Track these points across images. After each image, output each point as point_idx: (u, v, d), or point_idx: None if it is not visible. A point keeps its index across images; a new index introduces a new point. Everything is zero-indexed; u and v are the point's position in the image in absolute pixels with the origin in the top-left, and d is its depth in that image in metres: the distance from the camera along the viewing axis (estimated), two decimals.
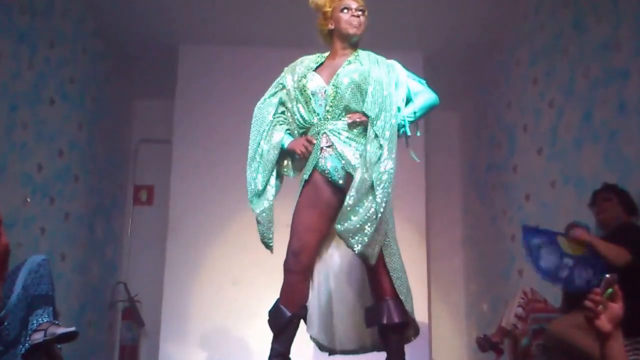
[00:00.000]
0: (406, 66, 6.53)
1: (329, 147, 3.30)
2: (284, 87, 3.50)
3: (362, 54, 3.47)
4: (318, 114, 3.35)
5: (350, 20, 3.39)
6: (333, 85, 3.33)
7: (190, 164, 6.45)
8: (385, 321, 3.25)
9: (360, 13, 3.41)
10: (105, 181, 6.74)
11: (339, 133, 3.30)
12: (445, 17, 6.11)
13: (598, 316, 2.02)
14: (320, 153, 3.31)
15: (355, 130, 3.30)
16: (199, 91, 6.58)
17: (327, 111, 3.33)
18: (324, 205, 3.31)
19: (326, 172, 3.30)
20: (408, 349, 6.09)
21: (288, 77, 3.50)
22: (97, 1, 5.92)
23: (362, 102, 3.29)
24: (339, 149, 3.27)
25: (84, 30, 5.99)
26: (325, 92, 3.34)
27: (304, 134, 3.41)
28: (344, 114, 3.32)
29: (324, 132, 3.31)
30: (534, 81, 5.60)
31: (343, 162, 3.27)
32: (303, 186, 3.35)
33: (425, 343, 6.19)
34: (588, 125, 4.61)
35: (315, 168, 3.32)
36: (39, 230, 5.09)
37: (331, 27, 3.45)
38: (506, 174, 6.15)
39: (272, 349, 3.34)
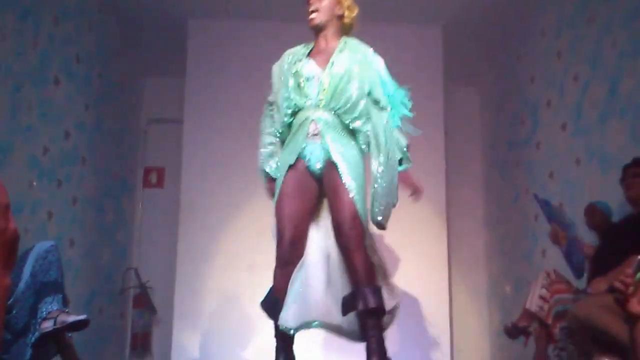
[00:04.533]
0: (426, 40, 6.62)
1: (315, 135, 3.44)
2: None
3: (351, 42, 3.62)
4: (310, 99, 3.47)
5: (309, 12, 3.59)
6: (328, 72, 3.47)
7: (202, 144, 6.45)
8: (361, 307, 3.29)
9: (317, 1, 3.57)
10: (113, 163, 6.76)
11: (328, 125, 3.43)
12: None
13: (628, 298, 2.01)
14: (306, 139, 3.44)
15: (344, 130, 3.48)
16: (210, 68, 6.55)
17: (320, 98, 3.45)
18: (308, 192, 3.48)
19: (307, 159, 3.45)
20: (429, 332, 6.13)
21: (276, 70, 3.70)
22: None
23: (355, 90, 3.44)
24: (326, 140, 3.41)
25: (89, 5, 5.97)
26: (319, 79, 3.48)
27: (291, 118, 3.54)
28: (337, 103, 3.44)
29: (313, 120, 3.44)
30: (558, 54, 5.54)
31: (325, 152, 3.42)
32: (287, 171, 3.47)
33: (446, 326, 6.21)
34: (614, 99, 4.56)
35: (298, 156, 3.46)
36: (46, 215, 5.12)
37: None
38: (529, 151, 6.11)
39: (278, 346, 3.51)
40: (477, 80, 7.70)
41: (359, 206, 3.35)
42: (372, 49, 3.62)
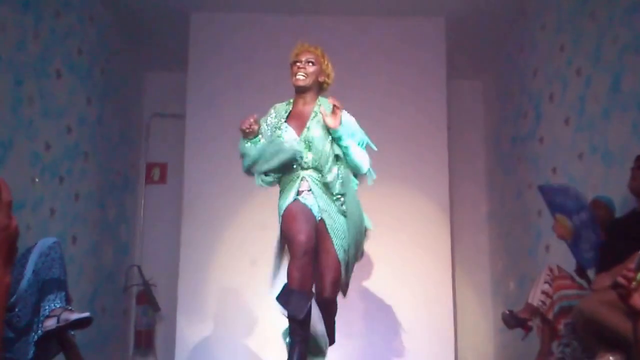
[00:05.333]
0: (428, 32, 6.61)
1: (308, 191, 3.88)
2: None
3: (325, 104, 3.93)
4: (295, 159, 3.90)
5: (296, 72, 3.91)
6: (305, 139, 3.88)
7: (205, 139, 6.43)
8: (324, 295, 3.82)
9: (307, 62, 3.92)
10: (116, 159, 6.78)
11: (317, 182, 3.87)
12: None
13: (631, 293, 2.01)
14: (298, 195, 3.89)
15: (328, 187, 3.90)
16: (212, 62, 6.54)
17: (306, 161, 3.88)
18: (311, 217, 3.87)
19: (305, 204, 3.90)
20: (433, 328, 6.14)
21: (263, 125, 4.02)
22: None
23: (328, 147, 3.89)
24: (316, 194, 3.86)
25: (92, 1, 5.99)
26: (302, 143, 3.88)
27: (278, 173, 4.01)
28: (320, 162, 3.86)
29: (304, 177, 3.89)
30: (561, 48, 5.54)
31: (318, 205, 3.86)
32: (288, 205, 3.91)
33: (449, 323, 6.21)
34: (616, 93, 4.56)
35: (295, 199, 3.90)
36: (48, 212, 5.14)
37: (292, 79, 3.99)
38: (532, 146, 6.11)
39: (294, 334, 3.70)
40: (480, 74, 7.70)
41: (342, 267, 3.83)
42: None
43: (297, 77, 3.92)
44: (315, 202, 3.86)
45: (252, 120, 3.87)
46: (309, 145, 3.88)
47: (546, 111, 5.83)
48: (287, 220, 3.84)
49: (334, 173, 3.89)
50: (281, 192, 3.99)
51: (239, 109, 6.22)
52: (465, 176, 7.42)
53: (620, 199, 4.16)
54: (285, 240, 3.88)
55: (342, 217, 3.87)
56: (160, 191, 7.53)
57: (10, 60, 4.60)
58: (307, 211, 3.85)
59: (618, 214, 4.15)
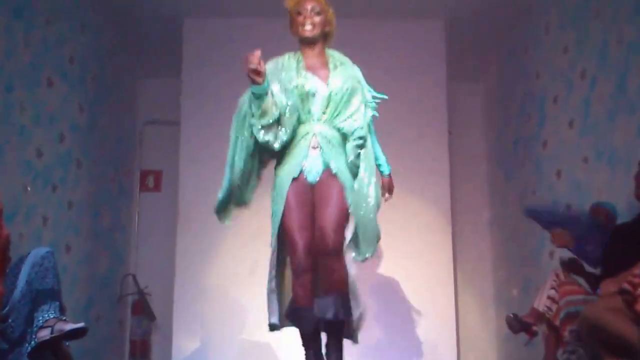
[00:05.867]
0: (427, 34, 6.62)
1: (315, 148, 3.69)
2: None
3: (336, 55, 3.88)
4: (313, 114, 3.71)
5: (303, 23, 3.77)
6: (330, 89, 3.71)
7: (200, 146, 6.43)
8: (331, 317, 3.56)
9: (314, 13, 3.77)
10: (109, 166, 6.78)
11: (327, 139, 3.70)
12: None
13: (637, 299, 2.01)
14: (308, 151, 3.69)
15: (339, 144, 3.76)
16: (206, 68, 6.56)
17: (323, 112, 3.71)
18: (308, 202, 3.70)
19: (307, 171, 3.71)
20: (435, 337, 6.13)
21: (271, 67, 3.75)
22: None
23: (356, 103, 3.78)
24: (326, 153, 3.68)
25: (82, 5, 5.99)
26: (322, 95, 3.70)
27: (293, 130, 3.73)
28: (338, 118, 3.73)
29: (314, 134, 3.70)
30: (565, 49, 5.55)
31: (324, 164, 3.69)
32: (290, 184, 3.69)
33: (452, 332, 6.21)
34: (622, 95, 4.57)
35: (301, 170, 3.71)
36: (41, 220, 5.14)
37: (293, 30, 3.88)
38: (535, 149, 6.12)
39: (307, 346, 3.74)
40: (482, 76, 7.71)
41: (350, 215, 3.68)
42: (348, 59, 3.93)
43: (305, 27, 3.77)
44: (321, 161, 3.70)
45: (258, 54, 3.58)
46: (330, 97, 3.72)
47: (550, 114, 5.83)
48: (285, 216, 3.67)
49: (352, 122, 3.76)
50: (285, 152, 3.75)
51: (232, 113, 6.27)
52: (467, 181, 7.42)
53: (625, 204, 4.16)
54: (283, 235, 3.74)
55: (350, 177, 3.74)
56: (155, 199, 7.53)
57: (1, 67, 4.61)
58: (305, 195, 3.69)
59: (624, 219, 4.15)
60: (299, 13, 3.78)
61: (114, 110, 6.94)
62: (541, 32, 6.08)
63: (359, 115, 3.78)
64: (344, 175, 3.69)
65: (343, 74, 3.76)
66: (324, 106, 3.71)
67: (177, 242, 6.36)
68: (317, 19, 3.77)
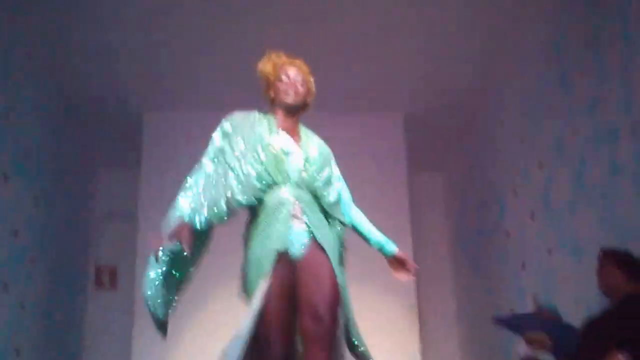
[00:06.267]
0: (386, 127, 6.75)
1: (297, 217, 3.18)
2: (226, 136, 3.38)
3: (307, 130, 3.54)
4: (289, 176, 3.25)
5: (286, 90, 3.44)
6: (306, 150, 3.35)
7: None
8: None
9: (298, 81, 3.46)
10: (64, 263, 6.64)
11: (309, 206, 3.24)
12: (425, 78, 6.27)
13: None
14: (290, 221, 3.16)
15: (321, 212, 3.29)
16: (165, 161, 6.55)
17: (303, 177, 3.27)
18: (291, 286, 3.10)
19: (291, 244, 3.14)
20: None
21: (237, 122, 3.41)
22: (58, 67, 5.99)
23: (329, 171, 3.42)
24: (311, 222, 3.19)
25: (42, 97, 6.01)
26: (299, 156, 3.32)
27: (260, 194, 3.21)
28: (317, 183, 3.30)
29: (296, 200, 3.21)
30: (521, 140, 5.70)
31: (309, 235, 3.17)
32: (273, 262, 3.08)
33: None
34: (581, 187, 4.67)
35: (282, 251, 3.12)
36: None
37: (272, 95, 3.51)
38: (499, 240, 6.18)
39: None
40: (441, 167, 7.85)
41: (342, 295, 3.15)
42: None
43: (288, 94, 3.43)
44: (306, 231, 3.18)
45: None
46: (306, 160, 3.32)
47: (510, 205, 5.93)
48: (267, 305, 3.03)
49: (334, 194, 3.38)
50: (259, 220, 3.21)
51: None
52: (431, 273, 7.42)
53: (593, 295, 4.19)
54: (257, 327, 3.04)
55: (338, 251, 3.29)
56: (110, 297, 7.37)
57: None
58: (289, 277, 3.08)
59: (592, 310, 4.16)
60: (280, 80, 3.47)
61: (71, 203, 6.86)
62: (497, 125, 6.25)
63: (335, 185, 3.42)
64: (331, 247, 3.19)
65: (316, 142, 3.46)
66: (300, 169, 3.29)
67: (133, 343, 6.19)
68: (300, 88, 3.47)
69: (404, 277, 3.50)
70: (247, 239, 3.26)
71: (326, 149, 3.51)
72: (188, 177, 3.46)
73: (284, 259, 3.11)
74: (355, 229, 3.49)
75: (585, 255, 4.42)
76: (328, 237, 3.23)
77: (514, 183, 5.83)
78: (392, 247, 3.49)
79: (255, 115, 3.45)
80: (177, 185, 6.31)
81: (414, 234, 6.80)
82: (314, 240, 3.17)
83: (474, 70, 6.16)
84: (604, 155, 4.41)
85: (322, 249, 3.15)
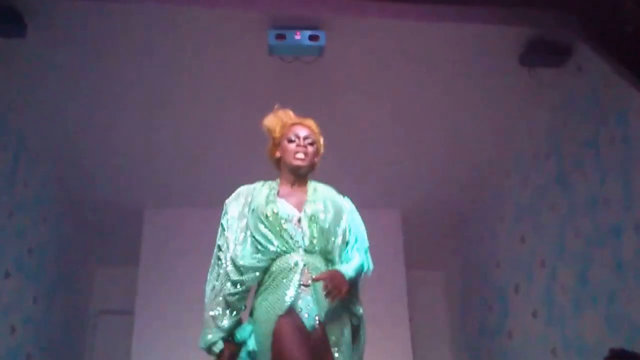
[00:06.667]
0: (384, 224, 6.78)
1: (306, 285, 2.93)
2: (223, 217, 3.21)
3: (319, 186, 3.27)
4: (296, 242, 3.02)
5: (296, 151, 3.21)
6: (308, 214, 3.08)
7: (154, 338, 6.32)
8: None
9: (308, 143, 3.23)
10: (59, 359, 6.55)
11: (317, 272, 2.95)
12: (424, 176, 6.38)
13: None
14: (297, 288, 2.92)
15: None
16: (164, 258, 6.59)
17: (312, 241, 3.02)
18: (306, 346, 2.84)
19: (301, 312, 2.90)
20: None
21: (237, 204, 3.22)
22: (60, 167, 6.12)
23: (340, 230, 3.11)
24: (318, 292, 2.90)
25: (45, 197, 6.10)
26: (300, 221, 3.07)
27: (269, 262, 3.01)
28: (326, 245, 3.05)
29: (305, 266, 2.96)
30: (522, 239, 5.74)
31: (318, 308, 2.90)
32: (276, 320, 2.88)
33: None
34: (585, 285, 4.69)
35: (291, 306, 2.90)
36: None
37: (278, 155, 3.29)
38: (501, 340, 6.13)
39: None
40: (441, 264, 7.84)
41: None
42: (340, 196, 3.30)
43: (297, 156, 3.20)
44: (314, 303, 2.91)
45: None
46: (311, 223, 3.06)
47: (512, 304, 5.91)
48: (278, 349, 2.84)
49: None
50: (266, 287, 3.00)
51: (190, 307, 6.16)
52: None
53: None
54: None
55: (349, 329, 3.01)
56: None
57: None
58: (302, 334, 2.85)
59: None
60: (290, 140, 3.23)
61: (69, 300, 6.83)
62: (497, 222, 6.31)
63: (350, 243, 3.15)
64: (336, 328, 2.94)
65: (322, 197, 3.18)
66: (307, 232, 3.04)
67: None
68: (310, 149, 3.23)
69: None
70: (252, 307, 3.04)
71: (337, 202, 3.21)
72: (209, 275, 3.18)
73: (295, 319, 2.87)
74: None
75: (591, 355, 4.39)
76: (336, 316, 2.95)
77: (517, 281, 5.83)
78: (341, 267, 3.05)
79: (255, 187, 3.25)
80: (175, 282, 6.38)
81: (413, 332, 6.75)
82: (318, 317, 2.91)
83: (473, 167, 6.26)
84: (607, 254, 4.45)
85: (324, 329, 2.90)
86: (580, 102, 4.89)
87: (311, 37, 4.80)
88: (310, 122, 3.31)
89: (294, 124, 3.29)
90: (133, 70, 5.17)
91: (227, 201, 3.26)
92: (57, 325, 6.45)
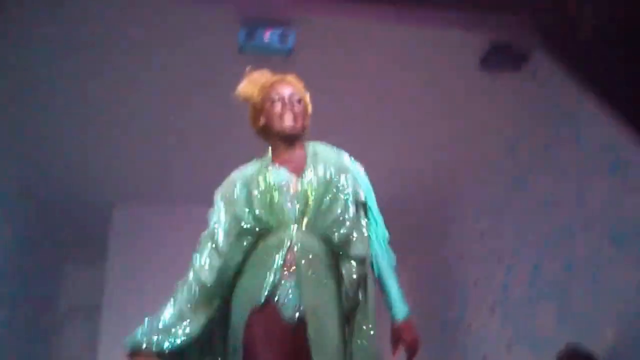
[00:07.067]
0: None
1: (289, 270, 2.52)
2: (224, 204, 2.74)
3: (316, 144, 2.86)
4: (284, 214, 2.59)
5: (282, 113, 2.77)
6: (309, 180, 2.64)
7: (121, 335, 6.28)
8: None
9: (295, 100, 2.81)
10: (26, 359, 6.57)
11: (308, 256, 2.54)
12: (388, 177, 6.15)
13: None
14: (279, 272, 2.51)
15: (327, 265, 2.58)
16: (132, 255, 6.65)
17: (302, 214, 2.58)
18: (283, 347, 2.45)
19: (279, 303, 2.50)
20: None
21: (226, 190, 2.77)
22: (25, 162, 6.07)
23: (344, 198, 2.66)
24: (302, 276, 2.51)
25: (9, 194, 6.08)
26: (296, 189, 2.63)
27: (251, 243, 2.61)
28: (324, 220, 2.59)
29: (292, 245, 2.54)
30: (481, 235, 5.95)
31: (299, 300, 2.49)
32: (248, 315, 2.50)
33: None
34: (538, 282, 4.89)
35: (269, 296, 2.49)
36: None
37: (263, 122, 2.84)
38: (460, 334, 6.31)
39: None
40: (406, 261, 7.95)
41: None
42: (345, 153, 2.89)
43: (285, 119, 2.75)
44: (296, 290, 2.50)
45: None
46: (307, 194, 2.61)
47: (471, 298, 6.10)
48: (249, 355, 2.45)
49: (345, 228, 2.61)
50: (248, 267, 2.60)
51: (158, 305, 6.25)
52: None
53: None
54: None
55: (335, 322, 2.53)
56: None
57: None
58: (276, 336, 2.45)
59: None
60: (272, 101, 2.78)
61: (36, 299, 6.83)
62: (458, 220, 6.55)
63: (353, 218, 2.66)
64: (321, 324, 2.48)
65: (323, 160, 2.73)
66: (302, 205, 2.59)
67: None
68: (298, 107, 2.79)
69: (393, 350, 2.67)
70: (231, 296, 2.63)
71: (342, 166, 2.76)
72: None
73: (270, 315, 2.48)
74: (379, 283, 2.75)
75: (543, 350, 4.58)
76: (319, 306, 2.52)
77: (476, 276, 6.03)
78: (400, 311, 2.70)
79: (247, 166, 2.82)
80: (142, 278, 6.41)
81: (378, 327, 6.87)
82: (300, 308, 2.50)
83: (435, 167, 6.40)
84: (560, 253, 4.66)
85: (304, 324, 2.47)
86: (536, 107, 5.09)
87: (281, 37, 4.82)
88: (292, 78, 2.89)
89: (274, 83, 2.85)
90: (97, 62, 5.07)
91: (217, 190, 2.82)
92: (24, 324, 6.47)
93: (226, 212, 2.69)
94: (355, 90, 5.58)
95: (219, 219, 2.70)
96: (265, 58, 5.01)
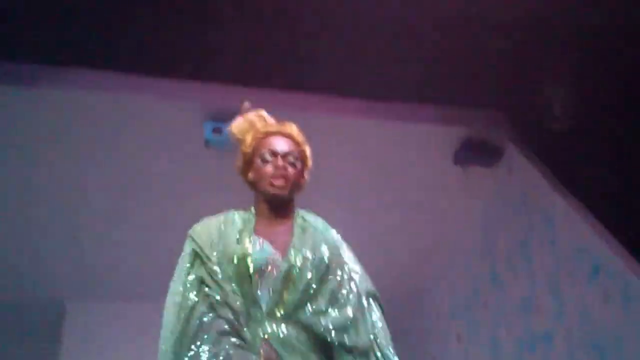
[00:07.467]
0: None
1: None
2: (197, 256, 2.35)
3: (307, 216, 2.50)
4: (259, 306, 2.24)
5: (272, 175, 2.41)
6: (291, 261, 2.29)
7: None
8: None
9: (289, 162, 2.43)
10: None
11: (289, 349, 2.17)
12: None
13: None
14: None
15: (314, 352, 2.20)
16: (85, 354, 6.36)
17: (277, 302, 2.24)
18: None
19: None
20: None
21: (203, 239, 2.37)
22: None
23: (334, 292, 2.31)
24: None
25: None
26: (279, 269, 2.27)
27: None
28: (304, 309, 2.24)
29: (267, 338, 2.18)
30: (458, 337, 5.76)
31: None
32: None
33: None
34: None
35: None
36: None
37: (251, 177, 2.48)
38: None
39: None
40: None
41: None
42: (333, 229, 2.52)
43: (275, 181, 2.39)
44: None
45: None
46: (288, 280, 2.25)
47: None
48: None
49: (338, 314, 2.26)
50: None
51: None
52: None
53: None
54: None
55: None
56: None
57: None
58: None
59: None
60: (264, 159, 2.43)
61: None
62: (434, 319, 6.31)
63: (347, 301, 2.32)
64: None
65: (311, 239, 2.37)
66: (279, 290, 2.24)
67: None
68: (291, 170, 2.42)
69: None
70: None
71: (333, 244, 2.42)
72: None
73: None
74: None
75: None
76: None
77: None
78: None
79: (229, 218, 2.45)
80: None
81: None
82: None
83: (409, 263, 6.23)
84: (538, 356, 4.48)
85: None
86: (511, 203, 4.99)
87: None
88: (292, 129, 2.50)
89: (269, 134, 2.48)
90: (54, 155, 5.04)
91: (190, 232, 2.41)
92: None
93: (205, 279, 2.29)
94: (328, 182, 5.51)
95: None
96: (231, 154, 5.00)
